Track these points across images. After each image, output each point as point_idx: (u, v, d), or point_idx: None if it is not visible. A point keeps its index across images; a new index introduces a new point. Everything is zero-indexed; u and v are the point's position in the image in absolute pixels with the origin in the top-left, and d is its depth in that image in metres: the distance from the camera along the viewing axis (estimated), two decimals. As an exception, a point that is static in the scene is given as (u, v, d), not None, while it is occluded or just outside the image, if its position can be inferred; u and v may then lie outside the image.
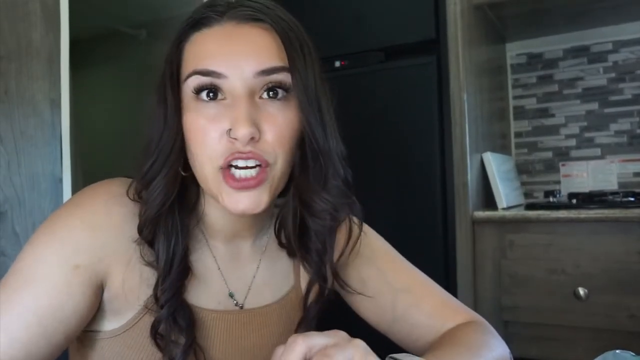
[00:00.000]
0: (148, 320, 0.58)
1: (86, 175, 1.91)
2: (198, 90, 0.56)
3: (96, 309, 0.57)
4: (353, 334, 0.48)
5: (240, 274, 0.67)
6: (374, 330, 0.73)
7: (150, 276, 0.58)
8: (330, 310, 0.70)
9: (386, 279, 0.71)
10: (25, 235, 1.23)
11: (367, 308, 0.73)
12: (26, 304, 0.52)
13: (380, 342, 0.75)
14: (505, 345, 0.65)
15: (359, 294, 0.70)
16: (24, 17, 1.26)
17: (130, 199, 0.59)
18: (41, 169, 1.27)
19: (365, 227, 0.77)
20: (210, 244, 0.65)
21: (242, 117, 0.53)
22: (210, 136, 0.55)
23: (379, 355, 0.48)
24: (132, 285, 0.57)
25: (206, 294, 0.63)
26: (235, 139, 0.54)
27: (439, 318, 0.69)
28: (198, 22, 0.58)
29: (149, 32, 2.56)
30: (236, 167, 0.55)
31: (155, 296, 0.57)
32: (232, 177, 0.55)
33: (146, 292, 0.58)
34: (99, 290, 0.57)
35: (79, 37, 1.53)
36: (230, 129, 0.54)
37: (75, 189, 1.36)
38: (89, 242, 0.55)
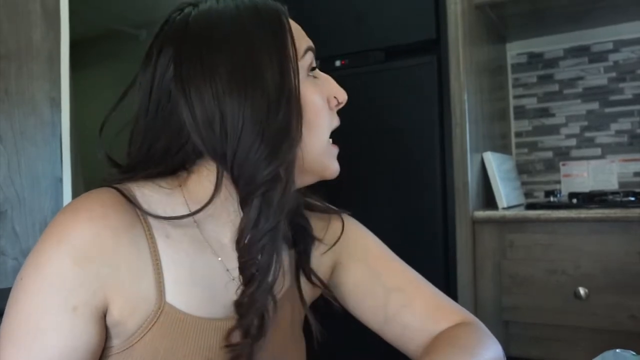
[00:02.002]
0: (150, 336, 0.56)
1: (86, 174, 1.91)
2: (312, 67, 0.62)
3: (105, 337, 0.56)
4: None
5: None
6: (369, 330, 0.73)
7: (150, 292, 0.56)
8: (328, 312, 0.70)
9: (379, 279, 0.71)
10: (25, 235, 1.23)
11: (360, 308, 0.72)
12: (39, 358, 0.51)
13: (379, 343, 0.75)
14: (499, 346, 0.65)
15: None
16: (24, 17, 1.26)
17: (138, 204, 0.57)
18: (41, 168, 1.27)
19: (359, 225, 0.77)
20: (212, 244, 0.62)
21: (339, 85, 0.65)
22: (325, 106, 0.62)
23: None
24: (133, 304, 0.55)
25: (212, 301, 0.60)
26: (339, 105, 0.65)
27: (432, 319, 0.68)
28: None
29: (149, 32, 2.56)
30: None
31: (238, 303, 0.57)
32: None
33: (147, 308, 0.56)
34: (102, 320, 0.55)
35: (79, 37, 1.53)
36: (335, 97, 0.64)
37: (76, 188, 1.36)
38: (81, 278, 0.52)
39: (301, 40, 0.62)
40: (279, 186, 0.56)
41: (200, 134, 0.56)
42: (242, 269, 0.58)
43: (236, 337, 0.58)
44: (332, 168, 0.64)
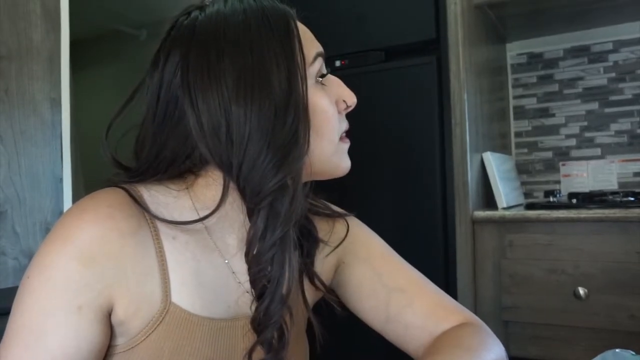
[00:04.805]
0: (155, 335, 0.56)
1: (86, 174, 1.91)
2: (322, 73, 0.62)
3: (109, 336, 0.56)
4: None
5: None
6: (372, 332, 0.73)
7: (155, 293, 0.56)
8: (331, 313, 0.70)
9: (381, 279, 0.71)
10: (26, 235, 1.23)
11: (362, 307, 0.72)
12: (44, 359, 0.51)
13: (381, 345, 0.75)
14: (502, 347, 0.65)
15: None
16: (25, 17, 1.26)
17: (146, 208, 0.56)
18: (41, 168, 1.27)
19: (362, 225, 0.77)
20: (219, 246, 0.62)
21: (349, 88, 0.64)
22: (335, 112, 0.62)
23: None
24: (138, 304, 0.55)
25: (218, 302, 0.60)
26: (348, 108, 0.64)
27: (433, 319, 0.68)
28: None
29: (149, 32, 2.56)
30: None
31: (254, 319, 0.56)
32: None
33: (152, 308, 0.56)
34: (107, 319, 0.55)
35: (80, 37, 1.53)
36: (344, 100, 0.63)
37: (76, 188, 1.36)
38: (87, 278, 0.52)
39: (310, 45, 0.61)
40: (287, 196, 0.55)
41: (206, 142, 0.55)
42: (252, 282, 0.57)
43: (259, 353, 0.58)
44: (343, 166, 0.64)
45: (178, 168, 0.59)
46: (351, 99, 0.64)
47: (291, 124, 0.55)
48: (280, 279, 0.56)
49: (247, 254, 0.56)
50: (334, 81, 0.64)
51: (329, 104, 0.61)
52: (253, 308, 0.57)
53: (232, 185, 0.58)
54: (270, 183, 0.54)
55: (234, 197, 0.59)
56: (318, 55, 0.61)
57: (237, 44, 0.56)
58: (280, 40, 0.57)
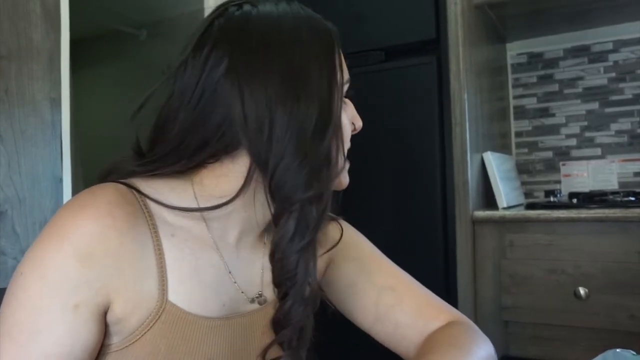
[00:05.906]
0: (151, 334, 0.56)
1: (86, 174, 1.91)
2: (348, 96, 0.66)
3: (104, 335, 0.55)
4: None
5: (248, 272, 0.65)
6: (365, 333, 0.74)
7: (152, 291, 0.55)
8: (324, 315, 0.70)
9: (370, 278, 0.73)
10: (26, 235, 1.23)
11: (351, 306, 0.73)
12: (37, 357, 0.50)
13: (375, 344, 0.75)
14: (491, 343, 0.67)
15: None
16: (25, 17, 1.26)
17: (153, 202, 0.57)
18: (41, 168, 1.27)
19: (351, 227, 0.78)
20: (218, 245, 0.62)
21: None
22: (350, 130, 0.66)
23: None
24: (135, 302, 0.55)
25: (214, 300, 0.60)
26: (354, 131, 0.68)
27: (423, 318, 0.69)
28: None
29: (149, 32, 2.56)
30: None
31: (275, 320, 0.59)
32: None
33: (149, 306, 0.55)
34: (103, 317, 0.54)
35: (80, 37, 1.53)
36: (353, 123, 0.67)
37: (76, 188, 1.36)
38: (84, 277, 0.51)
39: (344, 68, 0.64)
40: (320, 204, 0.58)
41: (248, 135, 0.56)
42: (276, 284, 0.60)
43: (272, 352, 0.60)
44: (343, 182, 0.67)
45: (199, 156, 0.58)
46: (359, 122, 0.69)
47: (327, 139, 0.58)
48: (303, 283, 0.58)
49: (272, 255, 0.59)
50: (349, 104, 0.68)
51: (349, 122, 0.65)
52: (275, 308, 0.60)
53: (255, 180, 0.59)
54: (303, 189, 0.56)
55: (245, 192, 0.59)
56: (348, 81, 0.64)
57: (288, 48, 0.58)
58: (325, 54, 0.60)
